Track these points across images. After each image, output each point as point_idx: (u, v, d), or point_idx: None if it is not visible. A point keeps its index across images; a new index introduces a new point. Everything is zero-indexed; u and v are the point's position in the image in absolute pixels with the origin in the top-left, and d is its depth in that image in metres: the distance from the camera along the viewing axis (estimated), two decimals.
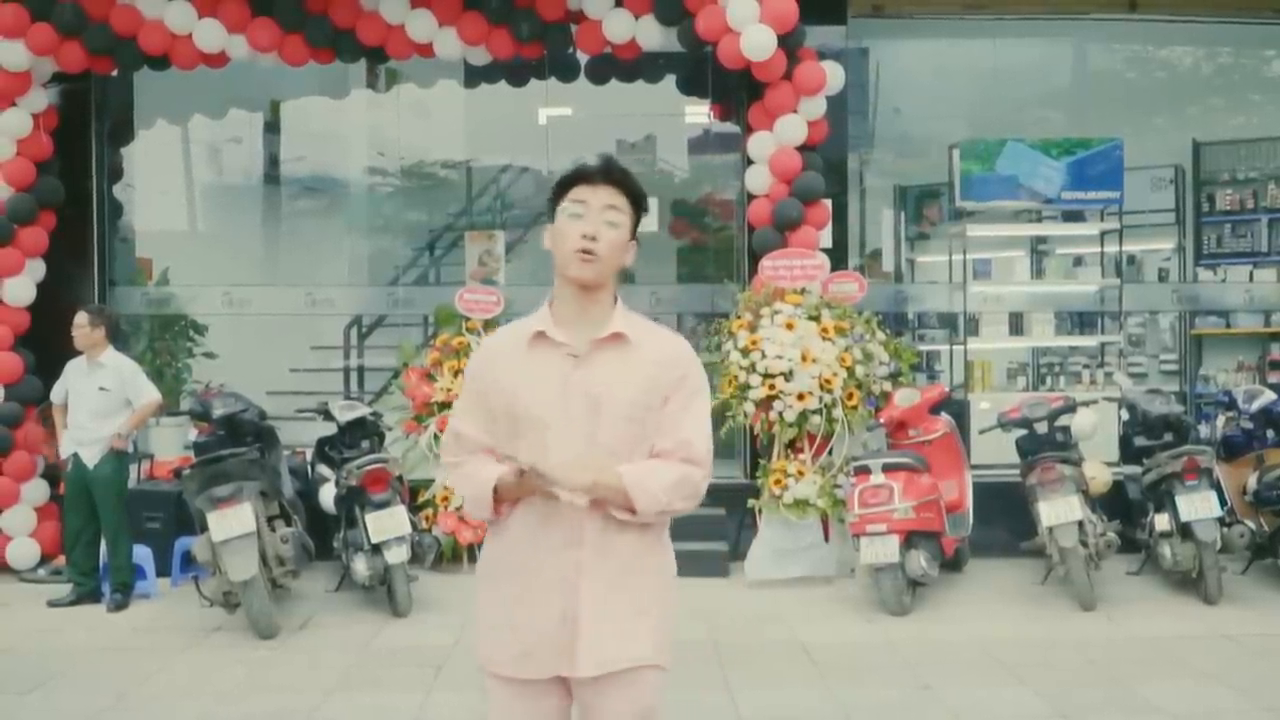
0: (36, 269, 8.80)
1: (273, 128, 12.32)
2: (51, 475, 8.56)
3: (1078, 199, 9.36)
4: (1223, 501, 7.41)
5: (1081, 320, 10.53)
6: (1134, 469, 8.06)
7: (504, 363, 2.86)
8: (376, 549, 7.24)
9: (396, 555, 7.24)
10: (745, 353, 7.91)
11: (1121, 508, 8.12)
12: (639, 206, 2.86)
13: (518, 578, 2.82)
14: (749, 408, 7.92)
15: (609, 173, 2.81)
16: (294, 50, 8.83)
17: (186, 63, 8.84)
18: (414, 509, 7.73)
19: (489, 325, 8.50)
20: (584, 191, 2.79)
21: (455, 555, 8.29)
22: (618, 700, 2.81)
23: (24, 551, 8.52)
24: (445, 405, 8.24)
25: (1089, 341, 10.22)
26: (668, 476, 2.77)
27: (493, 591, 2.89)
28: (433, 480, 8.41)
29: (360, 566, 7.29)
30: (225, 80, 9.64)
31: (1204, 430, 8.86)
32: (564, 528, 2.77)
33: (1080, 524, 7.17)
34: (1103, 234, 9.89)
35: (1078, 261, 10.36)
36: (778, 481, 7.93)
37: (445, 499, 8.30)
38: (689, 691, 5.71)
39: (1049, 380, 9.67)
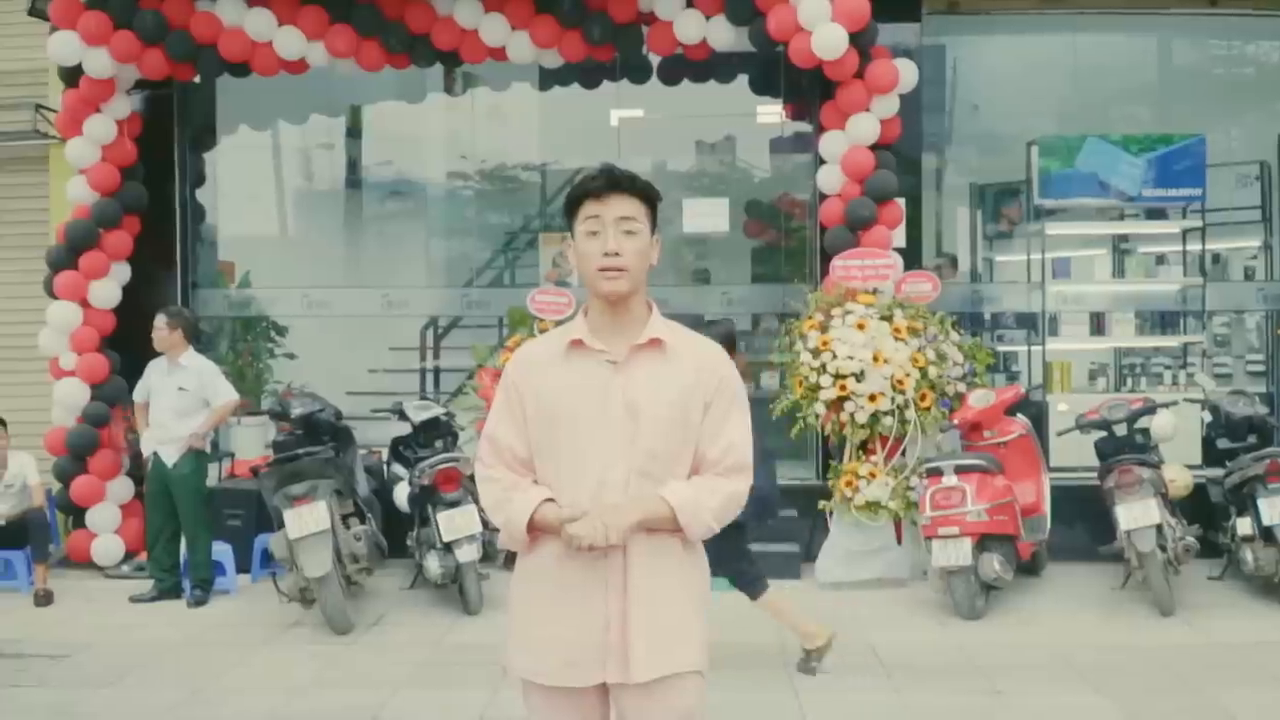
0: (122, 272, 9.03)
1: (352, 132, 12.47)
2: (136, 473, 8.76)
3: (1159, 196, 9.15)
4: None
5: (1164, 320, 10.29)
6: (1216, 472, 7.88)
7: (542, 371, 2.85)
8: (448, 547, 7.33)
9: (468, 554, 7.32)
10: (816, 353, 7.86)
11: (1204, 511, 7.94)
12: (653, 204, 2.84)
13: (558, 587, 2.81)
14: (820, 408, 7.87)
15: (614, 182, 2.79)
16: (371, 56, 8.94)
17: (267, 69, 9.01)
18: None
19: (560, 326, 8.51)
20: (594, 207, 2.79)
21: None
22: (663, 705, 2.80)
23: (109, 548, 8.75)
24: None
25: (1171, 342, 10.00)
26: (715, 499, 2.80)
27: (531, 601, 2.87)
28: None
29: (432, 564, 7.38)
30: (305, 86, 9.81)
31: None
32: None
33: (1159, 528, 7.03)
34: (1185, 232, 9.67)
35: (1160, 260, 10.13)
36: (849, 483, 7.87)
37: None
38: (756, 693, 5.72)
39: (1130, 381, 9.46)
